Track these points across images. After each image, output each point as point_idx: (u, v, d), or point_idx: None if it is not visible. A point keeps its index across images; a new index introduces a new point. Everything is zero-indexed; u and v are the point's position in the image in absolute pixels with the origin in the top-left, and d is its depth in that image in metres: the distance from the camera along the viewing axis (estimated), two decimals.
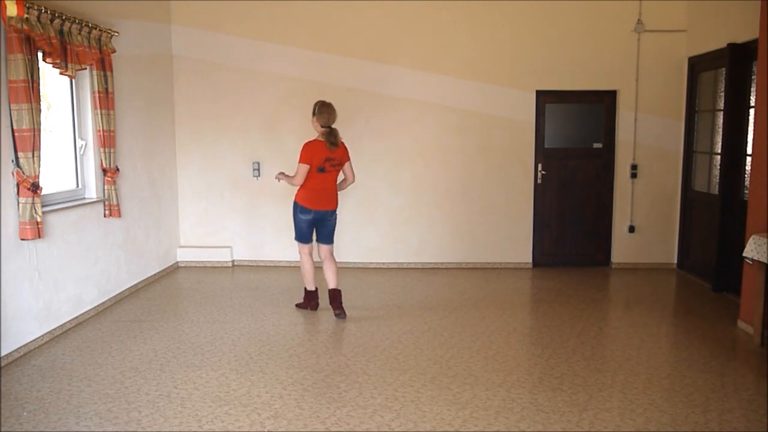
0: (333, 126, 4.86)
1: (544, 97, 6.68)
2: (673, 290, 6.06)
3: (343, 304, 5.12)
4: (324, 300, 5.26)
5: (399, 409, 3.42)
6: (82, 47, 4.72)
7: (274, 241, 6.90)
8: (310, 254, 5.11)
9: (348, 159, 5.01)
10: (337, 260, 6.79)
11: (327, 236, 5.10)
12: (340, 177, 5.08)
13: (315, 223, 5.01)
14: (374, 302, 5.49)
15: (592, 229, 6.87)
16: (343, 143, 4.95)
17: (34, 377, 3.84)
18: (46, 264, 4.47)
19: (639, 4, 6.49)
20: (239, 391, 3.64)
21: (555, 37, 6.56)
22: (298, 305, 5.31)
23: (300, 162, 4.79)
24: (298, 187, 4.92)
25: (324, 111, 4.84)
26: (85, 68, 4.84)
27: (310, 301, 5.21)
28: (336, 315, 5.02)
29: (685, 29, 6.49)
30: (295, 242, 5.09)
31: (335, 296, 5.05)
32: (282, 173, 5.03)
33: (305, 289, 5.21)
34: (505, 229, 6.83)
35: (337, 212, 5.11)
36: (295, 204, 4.97)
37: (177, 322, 4.92)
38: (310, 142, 4.84)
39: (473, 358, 4.17)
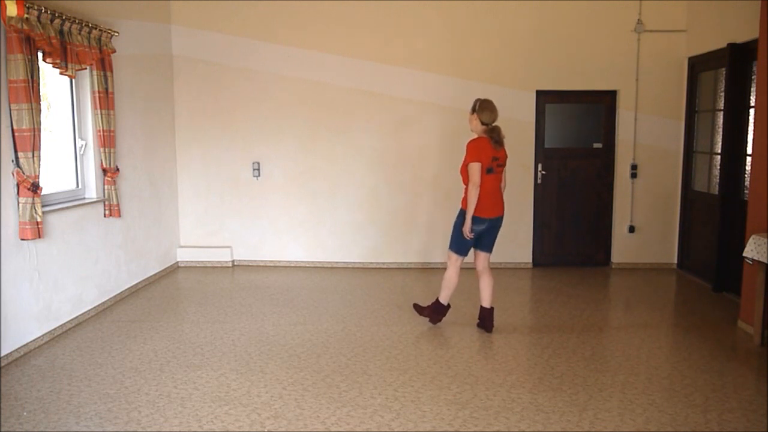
0: (496, 124, 4.47)
1: (544, 97, 6.68)
2: (673, 290, 6.06)
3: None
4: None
5: (399, 409, 3.42)
6: (82, 47, 4.72)
7: (274, 241, 6.90)
8: (460, 267, 4.70)
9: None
10: (335, 260, 6.88)
11: (490, 244, 4.66)
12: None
13: (483, 232, 4.57)
14: (374, 302, 5.49)
15: (592, 229, 6.87)
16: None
17: (34, 377, 3.84)
18: (46, 264, 4.47)
19: (639, 4, 6.48)
20: (239, 391, 3.64)
21: (555, 37, 6.56)
22: (418, 308, 4.92)
23: (471, 161, 4.38)
24: (474, 193, 4.39)
25: (486, 108, 4.46)
26: (85, 68, 4.85)
27: (436, 314, 4.82)
28: (478, 325, 4.80)
29: (685, 29, 6.49)
30: (448, 252, 4.69)
31: (487, 316, 4.72)
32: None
33: (438, 299, 4.80)
34: (505, 229, 6.71)
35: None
36: (464, 213, 4.50)
37: (177, 322, 4.92)
38: (475, 139, 4.45)
39: (473, 358, 4.17)
